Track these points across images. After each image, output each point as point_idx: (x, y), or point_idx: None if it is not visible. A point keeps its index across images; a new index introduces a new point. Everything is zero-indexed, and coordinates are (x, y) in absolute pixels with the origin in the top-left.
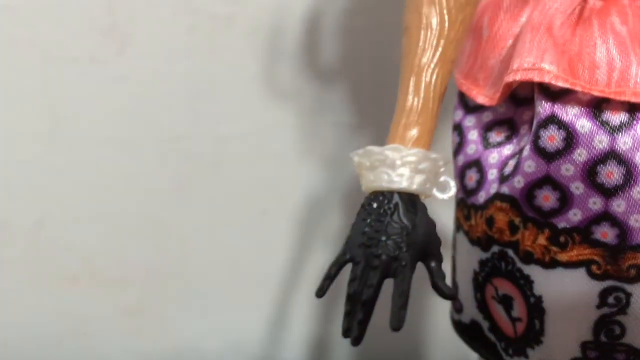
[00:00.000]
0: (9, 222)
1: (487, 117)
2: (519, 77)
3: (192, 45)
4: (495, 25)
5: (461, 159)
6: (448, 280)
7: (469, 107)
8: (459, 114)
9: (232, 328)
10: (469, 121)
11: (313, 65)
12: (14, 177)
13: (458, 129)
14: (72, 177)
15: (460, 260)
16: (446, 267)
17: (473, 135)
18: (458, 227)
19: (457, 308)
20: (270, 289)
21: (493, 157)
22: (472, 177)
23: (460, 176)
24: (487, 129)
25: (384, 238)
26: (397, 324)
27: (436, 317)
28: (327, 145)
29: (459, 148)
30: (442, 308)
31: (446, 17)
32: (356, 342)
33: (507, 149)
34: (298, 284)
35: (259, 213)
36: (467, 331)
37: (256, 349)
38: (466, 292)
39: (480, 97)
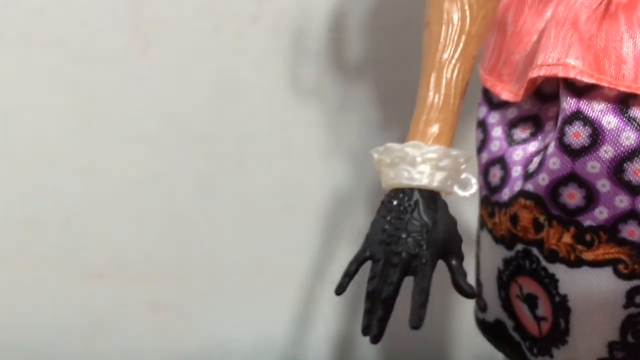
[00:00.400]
0: (38, 219)
1: (511, 113)
2: (543, 72)
3: (217, 45)
4: (519, 21)
5: (485, 156)
6: (472, 279)
7: (493, 103)
8: (482, 111)
9: (256, 325)
10: (493, 118)
11: (337, 64)
12: (42, 175)
13: (482, 125)
14: (99, 175)
15: (484, 258)
16: (470, 265)
17: (497, 131)
18: (482, 224)
19: (481, 307)
20: (295, 287)
21: (517, 154)
22: (496, 174)
23: (484, 173)
24: (511, 125)
25: (404, 235)
26: (416, 322)
27: (462, 315)
28: (352, 143)
29: (482, 145)
30: (467, 306)
31: (467, 12)
32: (375, 340)
33: (532, 146)
34: (323, 282)
35: (284, 211)
36: (491, 330)
37: (281, 346)
38: (490, 291)
39: (505, 93)
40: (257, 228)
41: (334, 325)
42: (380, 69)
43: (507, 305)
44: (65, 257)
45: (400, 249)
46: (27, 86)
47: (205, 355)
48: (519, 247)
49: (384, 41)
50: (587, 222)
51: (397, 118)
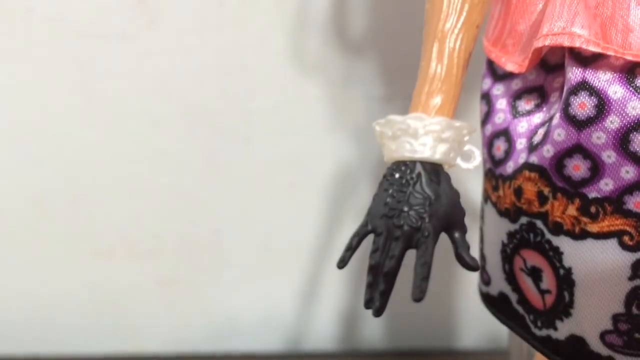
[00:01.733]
0: (46, 198)
1: (516, 85)
2: (548, 42)
3: (221, 20)
4: None
5: (489, 129)
6: (475, 252)
7: (498, 75)
8: (487, 82)
9: (263, 300)
10: (498, 89)
11: (342, 38)
12: (49, 154)
13: (486, 97)
14: (105, 152)
15: (488, 231)
16: (474, 237)
17: (502, 103)
18: (486, 198)
19: (485, 280)
20: (301, 261)
21: (522, 125)
22: (500, 146)
23: (488, 146)
24: (516, 97)
25: (406, 208)
26: (419, 294)
27: (466, 291)
28: (357, 118)
29: (486, 117)
30: (472, 282)
31: None
32: (378, 313)
33: (537, 118)
34: (328, 256)
35: (290, 186)
36: (495, 303)
37: (287, 320)
38: (494, 264)
39: (510, 64)
40: (262, 203)
41: (339, 300)
42: (384, 43)
43: (511, 278)
44: (73, 236)
45: (402, 222)
46: (31, 62)
47: (213, 330)
48: (523, 220)
49: (387, 15)
50: (592, 194)
51: (402, 92)
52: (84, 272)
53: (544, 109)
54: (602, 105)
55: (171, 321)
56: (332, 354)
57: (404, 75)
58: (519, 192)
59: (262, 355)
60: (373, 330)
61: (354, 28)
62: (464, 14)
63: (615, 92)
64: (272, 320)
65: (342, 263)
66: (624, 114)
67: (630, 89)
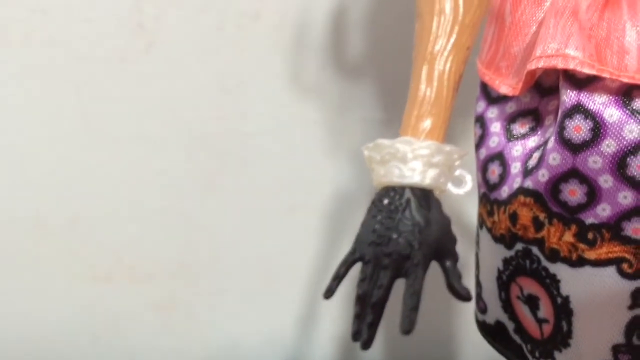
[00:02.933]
0: (43, 220)
1: (510, 108)
2: (542, 64)
3: (219, 43)
4: (518, 11)
5: (483, 152)
6: (471, 279)
7: (492, 97)
8: (481, 106)
9: (262, 324)
10: (492, 112)
11: (340, 61)
12: (46, 175)
13: (480, 120)
14: (103, 175)
15: (483, 258)
16: (470, 263)
17: (496, 127)
18: (481, 223)
19: (482, 308)
20: (300, 285)
21: (517, 149)
22: (494, 171)
23: (483, 170)
24: (510, 120)
25: (395, 236)
26: (407, 326)
27: (466, 314)
28: (355, 141)
29: (481, 141)
30: (471, 304)
31: (460, 1)
32: (365, 346)
33: (532, 141)
34: (327, 280)
35: (287, 209)
36: (492, 332)
37: (285, 344)
38: (490, 292)
39: (503, 86)
40: (260, 226)
41: (339, 324)
42: (381, 67)
43: (507, 306)
44: (71, 259)
45: (391, 249)
46: (30, 86)
47: (211, 355)
48: (519, 246)
49: (384, 38)
50: (589, 219)
51: (399, 115)
52: (81, 296)
53: (539, 132)
54: (598, 129)
55: (169, 345)
56: None
57: (401, 98)
58: (514, 217)
59: None
60: (372, 354)
61: (352, 51)
62: (454, 35)
63: (611, 115)
64: (271, 344)
65: (329, 293)
66: (620, 138)
67: (627, 111)
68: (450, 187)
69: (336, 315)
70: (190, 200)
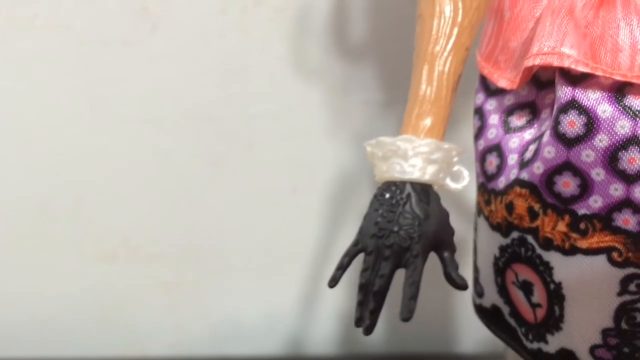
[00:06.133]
0: (50, 202)
1: (508, 100)
2: (538, 61)
3: (223, 27)
4: (516, 7)
5: (482, 144)
6: (469, 266)
7: (491, 90)
8: (480, 98)
9: (266, 303)
10: (490, 105)
11: (342, 44)
12: (53, 158)
13: (479, 112)
14: (109, 156)
15: (481, 244)
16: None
17: (494, 119)
18: (479, 211)
19: (479, 292)
20: (302, 265)
21: (514, 141)
22: (492, 162)
23: (481, 161)
24: (508, 112)
25: (396, 228)
26: (407, 314)
27: (465, 293)
28: (356, 123)
29: (479, 132)
30: (470, 289)
31: (460, 4)
32: (368, 331)
33: (528, 134)
34: (329, 260)
35: (290, 190)
36: (488, 315)
37: (289, 324)
38: (487, 277)
39: (502, 80)
40: (264, 206)
41: (341, 304)
42: (383, 49)
43: (503, 291)
44: (77, 239)
45: (392, 241)
46: (36, 69)
47: (216, 333)
48: (515, 234)
49: (386, 21)
50: (582, 210)
51: (401, 97)
52: (87, 276)
53: (535, 125)
54: (591, 124)
55: (174, 324)
56: (334, 357)
57: (403, 80)
58: (510, 207)
59: (264, 358)
60: (374, 335)
61: (353, 35)
62: (453, 37)
63: (604, 111)
64: (274, 323)
65: (333, 282)
66: (612, 133)
67: (619, 108)
68: (448, 181)
69: (338, 295)
70: (196, 181)
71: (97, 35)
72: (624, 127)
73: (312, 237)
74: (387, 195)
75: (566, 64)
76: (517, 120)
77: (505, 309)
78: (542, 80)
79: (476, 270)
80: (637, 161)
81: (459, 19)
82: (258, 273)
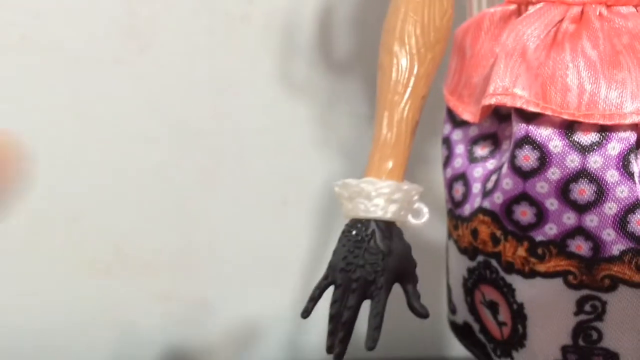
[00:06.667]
0: (45, 216)
1: (473, 131)
2: (494, 101)
3: (211, 45)
4: (477, 45)
5: (449, 172)
6: (442, 285)
7: (456, 121)
8: (447, 128)
9: (258, 311)
10: (457, 135)
11: (327, 59)
12: (47, 175)
13: (447, 142)
14: (102, 173)
15: (451, 265)
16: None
17: (460, 149)
18: (449, 235)
19: (452, 309)
20: (293, 276)
21: (477, 171)
22: (458, 189)
23: (449, 188)
24: (473, 142)
25: (362, 263)
26: (371, 343)
27: None
28: (343, 136)
29: (447, 161)
30: None
31: (415, 57)
32: (338, 358)
33: (491, 164)
34: (319, 270)
35: (280, 203)
36: (461, 331)
37: (282, 331)
38: (458, 296)
39: (466, 113)
40: (255, 219)
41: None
42: (367, 65)
43: (472, 309)
44: (71, 253)
45: (358, 275)
46: (26, 88)
47: (211, 343)
48: (480, 258)
49: (371, 34)
50: (539, 237)
51: None
52: (82, 289)
53: (497, 156)
54: (544, 158)
55: (170, 336)
56: None
57: None
58: (475, 233)
59: None
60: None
61: (339, 50)
62: (410, 86)
63: (556, 147)
64: (267, 331)
65: (305, 313)
66: (563, 166)
67: (569, 143)
68: (409, 218)
69: (327, 304)
70: (188, 194)
71: (87, 54)
72: (573, 160)
73: (302, 247)
74: (354, 232)
75: (518, 104)
76: (480, 151)
77: (476, 326)
78: (502, 114)
79: (449, 289)
80: (586, 192)
81: (415, 69)
82: (251, 284)
